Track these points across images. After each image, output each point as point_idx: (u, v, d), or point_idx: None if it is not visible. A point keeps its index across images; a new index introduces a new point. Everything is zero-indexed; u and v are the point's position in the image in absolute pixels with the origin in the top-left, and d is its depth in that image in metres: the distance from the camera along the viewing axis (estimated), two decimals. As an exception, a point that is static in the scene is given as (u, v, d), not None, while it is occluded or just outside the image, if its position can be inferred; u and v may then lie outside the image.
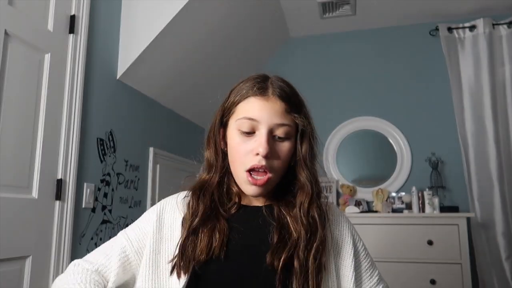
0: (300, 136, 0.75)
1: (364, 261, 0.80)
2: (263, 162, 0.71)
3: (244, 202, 0.79)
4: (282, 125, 0.72)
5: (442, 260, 2.32)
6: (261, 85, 0.74)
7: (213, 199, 0.77)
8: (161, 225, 0.78)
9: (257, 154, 0.71)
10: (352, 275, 0.74)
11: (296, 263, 0.69)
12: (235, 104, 0.76)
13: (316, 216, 0.73)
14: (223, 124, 0.79)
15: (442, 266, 2.32)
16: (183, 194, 0.83)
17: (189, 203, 0.78)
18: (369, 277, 0.79)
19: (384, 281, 0.82)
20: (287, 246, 0.70)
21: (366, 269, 0.79)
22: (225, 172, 0.79)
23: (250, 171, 0.72)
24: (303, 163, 0.75)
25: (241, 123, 0.73)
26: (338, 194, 2.94)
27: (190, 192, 0.80)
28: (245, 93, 0.75)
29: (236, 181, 0.77)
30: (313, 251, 0.70)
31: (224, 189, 0.79)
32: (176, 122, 2.75)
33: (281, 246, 0.71)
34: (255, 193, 0.74)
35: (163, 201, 0.84)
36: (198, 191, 0.78)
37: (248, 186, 0.74)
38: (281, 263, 0.68)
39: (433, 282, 2.30)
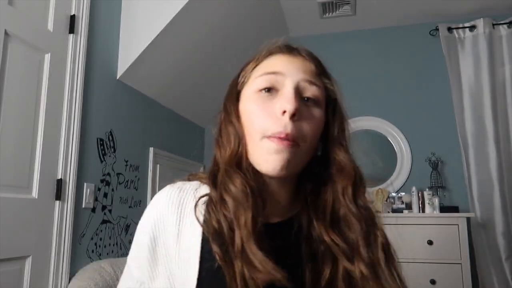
0: (332, 109, 0.61)
1: None
2: (289, 129, 0.52)
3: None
4: (312, 83, 0.57)
5: (442, 260, 2.32)
6: (288, 45, 0.61)
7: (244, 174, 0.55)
8: (156, 244, 0.60)
9: (283, 113, 0.53)
10: None
11: (362, 268, 0.52)
12: (253, 67, 0.60)
13: (368, 204, 0.57)
14: (238, 98, 0.61)
15: (442, 266, 2.32)
16: (189, 192, 0.60)
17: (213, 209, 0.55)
18: None
19: None
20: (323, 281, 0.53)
21: None
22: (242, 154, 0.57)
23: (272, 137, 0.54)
24: (338, 141, 0.59)
25: (260, 80, 0.57)
26: (338, 194, 2.93)
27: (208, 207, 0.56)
28: (267, 52, 0.60)
29: (252, 160, 0.56)
30: (379, 250, 0.54)
31: None
32: (176, 122, 2.75)
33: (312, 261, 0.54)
34: (279, 165, 0.53)
35: (156, 209, 0.61)
36: (227, 175, 0.55)
37: (269, 156, 0.53)
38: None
39: (433, 282, 2.30)
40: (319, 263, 0.56)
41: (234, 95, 0.62)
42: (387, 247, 0.57)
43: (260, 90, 0.57)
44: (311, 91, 0.57)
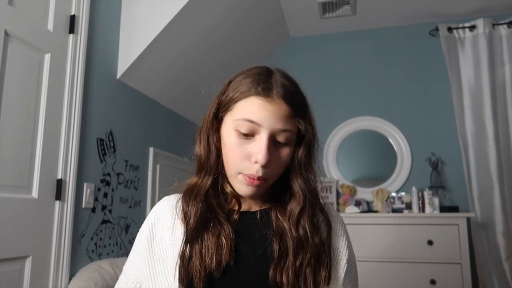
0: (300, 142, 0.70)
1: (349, 274, 0.74)
2: (261, 173, 0.66)
3: (244, 207, 0.75)
4: (284, 130, 0.66)
5: (442, 260, 2.32)
6: (265, 84, 0.67)
7: (208, 203, 0.71)
8: (153, 241, 0.75)
9: (255, 162, 0.66)
10: None
11: (284, 279, 0.65)
12: (234, 101, 0.68)
13: (307, 227, 0.68)
14: (218, 119, 0.72)
15: (442, 266, 2.32)
16: (175, 197, 0.78)
17: (183, 209, 0.73)
18: None
19: None
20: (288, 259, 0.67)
21: (349, 282, 0.74)
22: (219, 172, 0.72)
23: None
24: (297, 169, 0.70)
25: (240, 124, 0.66)
26: (338, 194, 2.94)
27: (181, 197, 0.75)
28: (247, 91, 0.67)
29: (229, 180, 0.71)
30: (304, 266, 0.66)
31: (219, 190, 0.73)
32: (176, 122, 2.75)
33: (283, 258, 0.67)
34: (249, 193, 0.69)
35: (155, 211, 0.79)
36: (188, 197, 0.72)
37: (242, 186, 0.69)
38: (285, 279, 0.65)
39: (433, 282, 2.30)
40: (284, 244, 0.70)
41: (216, 115, 0.72)
42: (315, 261, 0.68)
43: (240, 134, 0.67)
44: (283, 137, 0.67)
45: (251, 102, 0.66)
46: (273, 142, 0.67)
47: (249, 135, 0.66)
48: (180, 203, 0.74)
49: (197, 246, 0.68)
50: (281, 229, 0.70)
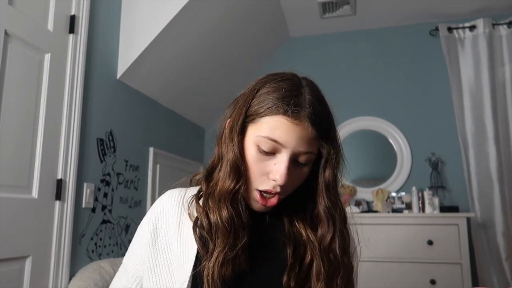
0: (324, 163, 0.69)
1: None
2: (278, 189, 0.66)
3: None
4: (306, 153, 0.65)
5: (442, 260, 2.32)
6: (294, 105, 0.64)
7: (233, 208, 0.67)
8: (156, 235, 0.73)
9: (273, 180, 0.65)
10: None
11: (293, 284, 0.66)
12: (259, 115, 0.65)
13: (339, 252, 0.68)
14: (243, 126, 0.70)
15: (442, 266, 2.32)
16: (179, 191, 0.76)
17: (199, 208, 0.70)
18: None
19: None
20: (303, 267, 0.68)
21: None
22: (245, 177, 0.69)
23: (262, 191, 0.67)
24: (324, 192, 0.69)
25: (262, 141, 0.64)
26: (338, 194, 2.93)
27: (197, 200, 0.71)
28: (274, 108, 0.64)
29: (243, 193, 0.69)
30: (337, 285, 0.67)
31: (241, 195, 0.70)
32: (176, 122, 2.75)
33: (297, 266, 0.68)
34: (261, 211, 0.69)
35: (160, 203, 0.76)
36: (208, 198, 0.68)
37: (255, 203, 0.69)
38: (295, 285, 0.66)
39: (433, 282, 2.30)
40: (299, 252, 0.70)
41: (242, 121, 0.68)
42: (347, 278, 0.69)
43: (261, 150, 0.65)
44: (303, 158, 0.66)
45: (277, 121, 0.64)
46: (292, 161, 0.66)
47: (269, 153, 0.65)
48: (189, 199, 0.72)
49: (215, 250, 0.65)
50: (294, 234, 0.70)
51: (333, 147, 0.68)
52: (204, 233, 0.67)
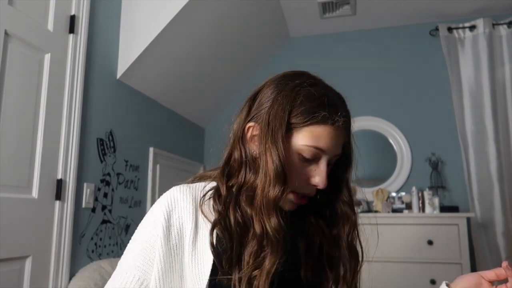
0: (346, 161, 0.73)
1: None
2: (314, 192, 0.70)
3: None
4: (337, 155, 0.70)
5: (442, 260, 2.32)
6: (334, 111, 0.66)
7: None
8: (169, 232, 0.67)
9: (314, 185, 0.68)
10: None
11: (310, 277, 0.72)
12: (301, 124, 0.66)
13: (359, 243, 0.76)
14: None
15: (442, 266, 2.31)
16: (187, 188, 0.71)
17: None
18: None
19: None
20: (321, 260, 0.74)
21: None
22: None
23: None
24: (345, 188, 0.74)
25: (306, 149, 0.66)
26: (338, 194, 2.93)
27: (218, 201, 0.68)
28: (320, 118, 0.65)
29: None
30: (356, 278, 0.76)
31: None
32: (176, 122, 2.75)
33: (311, 259, 0.73)
34: (291, 209, 0.71)
35: (171, 198, 0.69)
36: (262, 210, 0.64)
37: (289, 204, 0.70)
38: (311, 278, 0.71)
39: (433, 282, 2.29)
40: (313, 245, 0.75)
41: (285, 129, 0.67)
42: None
43: (303, 157, 0.67)
44: (334, 159, 0.70)
45: (321, 130, 0.66)
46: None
47: (310, 160, 0.68)
48: (203, 198, 0.69)
49: (265, 263, 0.63)
50: (307, 227, 0.75)
51: (351, 147, 0.73)
52: (225, 237, 0.65)
